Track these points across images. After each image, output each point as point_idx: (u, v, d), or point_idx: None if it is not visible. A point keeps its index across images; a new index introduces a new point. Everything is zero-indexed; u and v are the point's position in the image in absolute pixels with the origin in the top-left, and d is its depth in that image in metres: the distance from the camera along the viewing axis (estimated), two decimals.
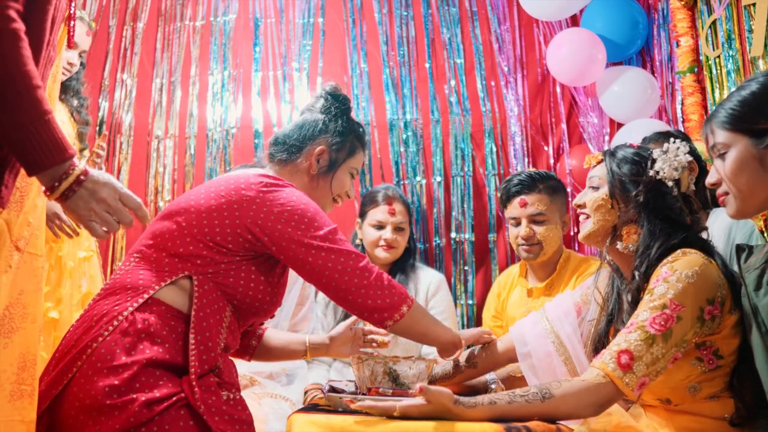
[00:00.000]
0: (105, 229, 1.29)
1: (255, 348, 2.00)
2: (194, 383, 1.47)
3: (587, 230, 1.75)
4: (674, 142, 1.70)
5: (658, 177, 1.68)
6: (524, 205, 2.62)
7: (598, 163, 1.79)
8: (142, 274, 1.59)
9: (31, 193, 1.34)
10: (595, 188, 1.76)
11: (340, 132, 1.89)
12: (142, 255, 1.64)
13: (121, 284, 1.58)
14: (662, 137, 2.46)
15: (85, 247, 2.77)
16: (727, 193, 1.50)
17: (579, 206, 1.79)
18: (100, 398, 1.39)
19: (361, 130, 1.95)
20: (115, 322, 1.48)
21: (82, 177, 1.24)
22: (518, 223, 2.66)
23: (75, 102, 2.90)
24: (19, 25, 1.17)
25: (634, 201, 1.68)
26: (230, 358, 1.72)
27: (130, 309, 1.50)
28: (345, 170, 1.91)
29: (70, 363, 1.44)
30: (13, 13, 1.16)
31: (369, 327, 2.05)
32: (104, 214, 1.28)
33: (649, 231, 1.65)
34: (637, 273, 1.64)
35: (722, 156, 1.48)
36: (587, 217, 1.76)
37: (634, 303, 1.62)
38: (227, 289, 1.63)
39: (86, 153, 2.84)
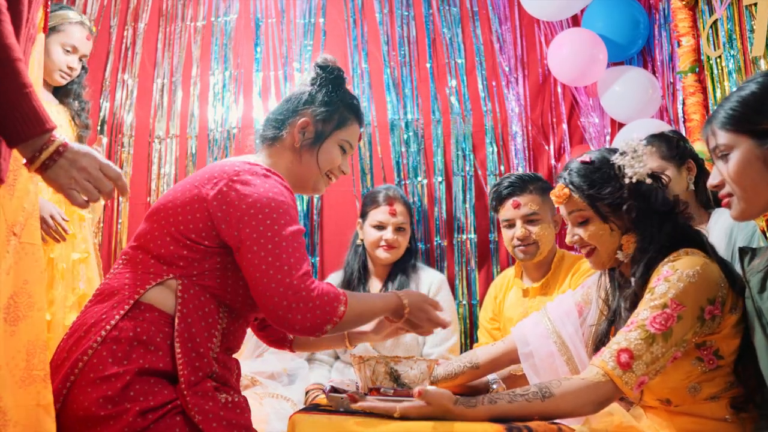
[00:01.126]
0: (85, 198, 1.31)
1: (293, 340, 1.96)
2: (185, 392, 1.43)
3: (600, 260, 1.74)
4: (627, 141, 1.70)
5: (633, 180, 1.67)
6: (517, 206, 2.64)
7: (568, 197, 1.74)
8: (128, 277, 1.54)
9: (21, 177, 1.34)
10: (585, 222, 1.73)
11: (326, 102, 1.76)
12: (129, 258, 1.59)
13: (108, 290, 1.54)
14: (656, 140, 2.46)
15: (80, 249, 2.76)
16: (730, 195, 1.48)
17: (576, 243, 1.76)
18: (94, 409, 1.37)
19: (354, 101, 1.82)
20: (103, 332, 1.44)
21: (61, 148, 1.26)
22: (512, 225, 2.67)
23: (76, 105, 2.91)
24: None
25: (627, 215, 1.67)
26: (235, 357, 1.68)
27: (117, 317, 1.46)
28: (333, 143, 1.77)
29: (64, 377, 1.42)
30: None
31: None
32: (84, 182, 1.29)
33: (644, 236, 1.65)
34: (633, 279, 1.65)
35: (725, 157, 1.46)
36: (593, 249, 1.73)
37: (632, 307, 1.62)
38: (215, 291, 1.56)
39: None
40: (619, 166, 1.69)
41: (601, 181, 1.69)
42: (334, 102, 1.78)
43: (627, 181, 1.67)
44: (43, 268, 1.40)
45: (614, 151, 1.74)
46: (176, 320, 1.48)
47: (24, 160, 1.26)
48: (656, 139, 2.46)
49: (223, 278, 1.56)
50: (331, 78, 1.80)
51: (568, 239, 1.77)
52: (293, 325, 1.49)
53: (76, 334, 1.48)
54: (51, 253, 2.63)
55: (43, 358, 1.35)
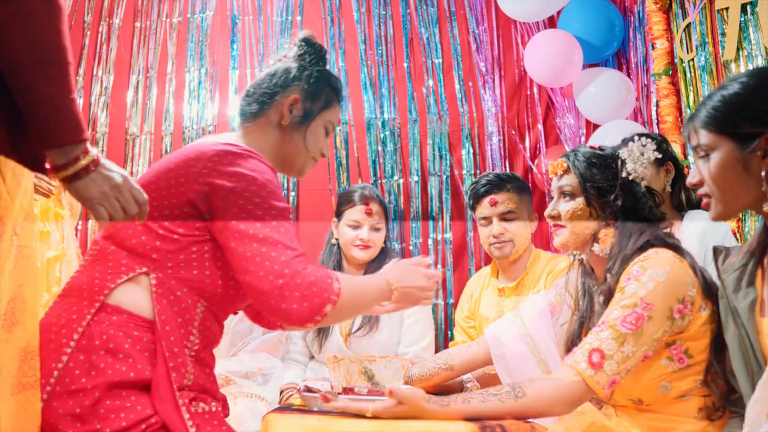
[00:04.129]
0: (109, 215, 1.29)
1: None
2: (183, 405, 1.35)
3: (563, 239, 1.76)
4: (639, 139, 1.72)
5: (630, 178, 1.70)
6: (494, 203, 2.66)
7: (565, 171, 1.78)
8: (97, 272, 1.44)
9: (24, 175, 1.32)
10: (568, 197, 1.76)
11: (315, 80, 1.69)
12: (99, 250, 1.49)
13: (77, 285, 1.45)
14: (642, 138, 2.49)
15: (54, 247, 2.72)
16: (709, 196, 1.45)
17: (553, 217, 1.78)
18: (61, 428, 1.29)
19: (338, 83, 1.77)
20: (76, 336, 1.35)
21: (96, 161, 1.26)
22: (489, 222, 2.69)
23: None
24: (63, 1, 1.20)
25: (612, 206, 1.69)
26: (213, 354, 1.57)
27: (88, 317, 1.37)
28: (320, 123, 1.71)
29: (41, 386, 1.32)
30: None
31: None
32: (113, 200, 1.28)
33: (623, 232, 1.67)
34: (608, 275, 1.66)
35: (705, 157, 1.44)
36: (561, 227, 1.76)
37: (606, 303, 1.63)
38: (193, 284, 1.45)
39: None
40: (622, 160, 1.72)
41: (599, 166, 1.73)
42: (321, 81, 1.71)
43: (624, 174, 1.70)
44: (37, 272, 1.35)
45: None
46: (157, 320, 1.39)
47: (48, 165, 1.24)
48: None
49: (200, 270, 1.46)
50: (319, 55, 1.74)
51: (547, 212, 1.79)
52: (287, 314, 1.41)
53: (44, 336, 1.36)
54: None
55: (34, 364, 1.31)
